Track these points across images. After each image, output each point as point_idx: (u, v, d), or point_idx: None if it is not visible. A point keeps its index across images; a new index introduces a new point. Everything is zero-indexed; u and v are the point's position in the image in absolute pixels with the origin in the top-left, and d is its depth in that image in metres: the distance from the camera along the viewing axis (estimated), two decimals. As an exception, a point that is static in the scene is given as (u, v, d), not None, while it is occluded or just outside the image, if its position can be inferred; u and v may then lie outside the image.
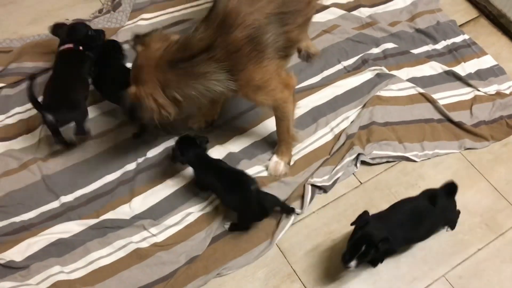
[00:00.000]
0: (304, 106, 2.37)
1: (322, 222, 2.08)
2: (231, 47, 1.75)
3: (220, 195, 2.04)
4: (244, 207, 1.95)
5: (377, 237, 1.71)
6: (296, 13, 1.90)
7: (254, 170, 2.19)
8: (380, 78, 2.47)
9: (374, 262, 1.90)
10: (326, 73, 2.50)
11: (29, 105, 2.22)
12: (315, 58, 2.52)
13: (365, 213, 1.82)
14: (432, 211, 1.87)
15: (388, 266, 1.96)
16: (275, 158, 2.19)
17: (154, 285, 1.91)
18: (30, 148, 2.21)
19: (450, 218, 2.03)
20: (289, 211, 2.02)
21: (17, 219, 2.04)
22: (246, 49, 1.76)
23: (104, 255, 1.99)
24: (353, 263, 1.73)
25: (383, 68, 2.50)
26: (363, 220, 1.79)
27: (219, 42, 1.74)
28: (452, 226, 2.05)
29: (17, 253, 1.96)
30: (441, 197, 1.89)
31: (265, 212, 1.97)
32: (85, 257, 1.97)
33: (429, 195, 1.92)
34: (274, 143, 2.25)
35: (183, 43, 1.80)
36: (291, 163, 2.22)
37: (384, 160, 2.24)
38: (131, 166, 2.19)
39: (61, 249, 1.99)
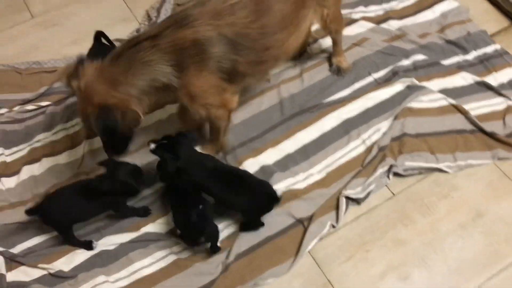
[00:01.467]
0: (335, 118, 2.42)
1: (356, 233, 2.12)
2: (177, 41, 1.79)
3: (222, 197, 2.05)
4: (253, 203, 2.02)
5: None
6: (249, 51, 1.94)
7: (288, 182, 2.24)
8: (411, 89, 2.49)
9: None
10: (357, 85, 2.54)
11: (74, 121, 2.36)
12: (346, 73, 2.57)
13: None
14: None
15: (421, 276, 1.99)
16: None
17: (192, 290, 1.99)
18: (75, 162, 2.33)
19: None
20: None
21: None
22: (191, 50, 1.81)
23: (146, 265, 2.08)
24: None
25: (414, 79, 2.52)
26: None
27: (168, 33, 1.79)
28: None
29: (65, 263, 2.07)
30: None
31: (273, 200, 2.04)
32: (128, 267, 2.07)
33: None
34: (307, 155, 2.31)
35: (130, 38, 1.89)
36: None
37: (417, 171, 2.26)
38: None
39: (105, 260, 2.08)
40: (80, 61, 1.87)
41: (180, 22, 1.81)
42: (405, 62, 2.60)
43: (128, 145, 2.04)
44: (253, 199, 2.02)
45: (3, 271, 2.03)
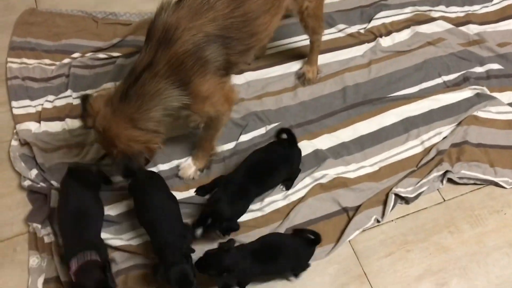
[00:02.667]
0: (397, 114, 2.39)
1: (400, 232, 2.10)
2: (173, 61, 1.75)
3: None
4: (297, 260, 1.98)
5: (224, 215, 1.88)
6: (237, 41, 1.90)
7: (338, 170, 2.25)
8: (480, 98, 2.42)
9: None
10: (425, 85, 2.50)
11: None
12: (309, 84, 2.52)
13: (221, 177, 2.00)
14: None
15: (460, 286, 1.97)
16: (189, 161, 2.24)
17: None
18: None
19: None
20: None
21: (115, 179, 2.23)
22: (188, 63, 1.77)
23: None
24: (199, 232, 1.88)
25: (485, 88, 2.45)
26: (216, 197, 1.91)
27: (160, 57, 1.75)
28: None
29: (113, 208, 2.16)
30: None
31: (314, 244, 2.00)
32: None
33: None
34: (362, 147, 2.30)
35: (129, 73, 1.82)
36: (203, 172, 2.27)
37: (472, 181, 2.21)
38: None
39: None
40: (85, 99, 1.87)
41: (164, 40, 1.76)
42: (479, 69, 2.53)
43: None
44: (295, 258, 1.97)
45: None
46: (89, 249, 1.83)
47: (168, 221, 1.88)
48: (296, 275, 1.99)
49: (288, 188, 2.19)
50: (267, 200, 2.18)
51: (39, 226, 2.09)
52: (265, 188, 2.15)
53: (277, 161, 2.11)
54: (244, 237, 2.08)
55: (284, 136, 2.16)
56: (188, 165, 2.25)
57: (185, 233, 1.88)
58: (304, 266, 1.98)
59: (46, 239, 2.08)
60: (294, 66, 2.57)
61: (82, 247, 1.84)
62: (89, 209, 1.99)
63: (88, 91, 2.47)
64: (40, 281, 2.00)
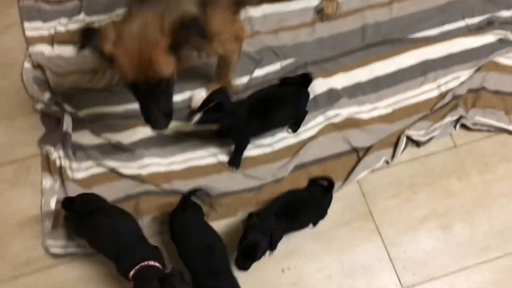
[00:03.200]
0: (416, 57, 2.32)
1: (408, 174, 2.12)
2: None
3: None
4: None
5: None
6: None
7: (352, 110, 2.23)
8: (502, 44, 2.35)
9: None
10: (447, 27, 2.41)
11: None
12: (327, 19, 2.43)
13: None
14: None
15: (464, 230, 2.01)
16: (203, 93, 2.20)
17: (241, 193, 2.08)
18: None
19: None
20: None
21: (130, 106, 2.23)
22: None
23: (199, 156, 2.16)
24: (196, 118, 1.84)
25: (509, 34, 2.37)
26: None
27: None
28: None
29: (126, 136, 2.18)
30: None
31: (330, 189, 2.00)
32: (183, 154, 2.16)
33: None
34: (378, 88, 2.27)
35: None
36: None
37: (486, 128, 2.19)
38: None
39: (164, 142, 2.18)
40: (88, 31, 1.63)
41: None
42: (505, 14, 2.43)
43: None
44: (317, 209, 1.99)
45: (70, 131, 2.17)
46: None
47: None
48: (315, 224, 2.02)
49: (294, 131, 2.19)
50: (278, 136, 2.18)
51: (52, 149, 2.12)
52: (266, 126, 2.13)
53: (282, 101, 2.07)
54: (252, 171, 2.11)
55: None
56: (202, 98, 2.22)
57: None
58: (324, 214, 2.01)
59: (58, 163, 2.12)
60: (314, 1, 2.48)
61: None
62: None
63: (101, 16, 2.42)
64: (53, 201, 2.05)
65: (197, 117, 1.87)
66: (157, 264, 1.63)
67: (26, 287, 1.92)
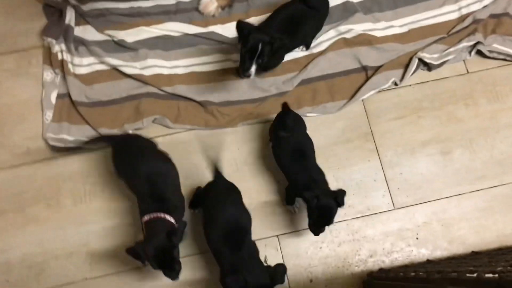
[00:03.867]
0: (440, -26, 2.19)
1: (415, 97, 2.08)
2: None
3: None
4: None
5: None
6: None
7: (366, 26, 2.14)
8: (533, -32, 2.20)
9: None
10: None
11: None
12: None
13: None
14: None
15: (463, 157, 2.00)
16: None
17: (244, 103, 2.05)
18: None
19: None
20: None
21: (135, 4, 2.15)
22: None
23: (202, 62, 2.11)
24: (252, 69, 1.74)
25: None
26: (246, 32, 1.72)
27: None
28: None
29: (130, 35, 2.12)
30: None
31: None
32: (188, 59, 2.11)
33: None
34: (396, 5, 2.16)
35: None
36: (224, 10, 2.17)
37: (502, 57, 2.11)
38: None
39: (168, 45, 2.12)
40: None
41: None
42: None
43: None
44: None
45: (72, 24, 2.10)
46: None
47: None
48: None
49: (307, 47, 2.11)
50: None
51: (54, 41, 2.07)
52: (294, 44, 2.06)
53: (306, 19, 1.98)
54: (258, 81, 2.06)
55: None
56: (211, 1, 2.14)
57: None
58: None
59: (60, 56, 2.07)
60: None
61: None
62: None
63: None
64: (54, 95, 2.04)
65: (253, 68, 1.76)
66: (172, 219, 1.61)
67: (24, 176, 1.95)
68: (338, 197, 1.64)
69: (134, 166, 1.67)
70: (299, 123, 1.87)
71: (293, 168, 1.76)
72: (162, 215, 1.59)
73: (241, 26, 1.74)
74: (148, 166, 1.67)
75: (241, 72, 1.74)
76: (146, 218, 1.59)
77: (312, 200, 1.61)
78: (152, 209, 1.60)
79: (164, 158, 1.77)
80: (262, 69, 1.80)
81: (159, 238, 1.51)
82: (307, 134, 1.85)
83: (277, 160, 1.83)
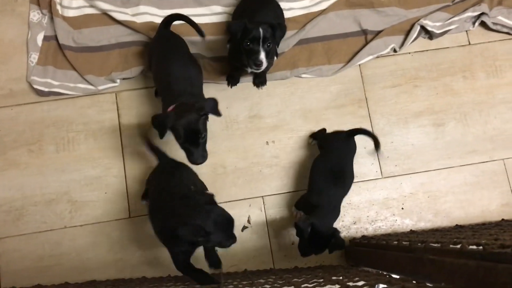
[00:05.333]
0: None
1: (413, 66, 2.02)
2: None
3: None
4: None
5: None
6: None
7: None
8: None
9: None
10: None
11: None
12: None
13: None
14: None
15: (455, 129, 1.97)
16: None
17: (237, 58, 1.97)
18: None
19: None
20: None
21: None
22: None
23: (198, 13, 2.03)
24: (262, 55, 1.64)
25: None
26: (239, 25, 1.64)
27: None
28: None
29: (123, -21, 2.02)
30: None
31: None
32: (182, 9, 2.02)
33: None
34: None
35: None
36: None
37: (505, 30, 2.05)
38: None
39: (162, -7, 2.03)
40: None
41: None
42: None
43: None
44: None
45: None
46: None
47: None
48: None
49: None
50: (284, 5, 2.03)
51: (41, -21, 1.97)
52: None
53: None
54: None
55: None
56: None
57: None
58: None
59: (48, -4, 1.98)
60: None
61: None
62: None
63: None
64: (40, 37, 1.95)
65: (263, 55, 1.63)
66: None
67: (6, 119, 1.89)
68: (335, 239, 1.57)
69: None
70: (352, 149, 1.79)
71: (325, 187, 1.67)
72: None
73: (232, 25, 1.66)
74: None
75: (251, 63, 1.66)
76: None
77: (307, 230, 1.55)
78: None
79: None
80: (268, 57, 1.71)
81: (189, 109, 1.48)
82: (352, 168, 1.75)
83: (315, 168, 1.75)
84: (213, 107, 1.52)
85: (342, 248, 1.63)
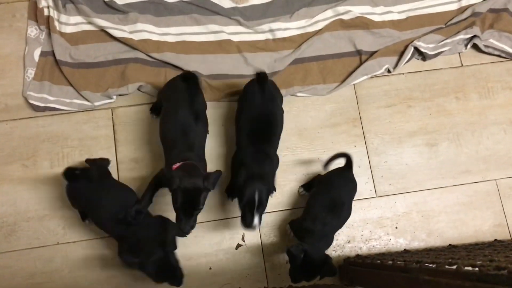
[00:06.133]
0: (443, -37, 2.15)
1: (406, 86, 2.05)
2: None
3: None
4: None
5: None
6: None
7: (364, 9, 2.10)
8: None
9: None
10: None
11: None
12: None
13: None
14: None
15: (448, 149, 1.99)
16: None
17: (232, 78, 1.99)
18: None
19: None
20: None
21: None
22: None
23: (195, 32, 2.05)
24: (256, 221, 1.59)
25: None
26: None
27: None
28: None
29: (121, -4, 2.04)
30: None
31: None
32: (179, 27, 2.04)
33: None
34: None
35: None
36: None
37: (497, 52, 2.09)
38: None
39: (160, 10, 2.05)
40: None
41: None
42: None
43: None
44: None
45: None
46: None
47: None
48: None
49: None
50: (282, 25, 2.06)
51: (40, -5, 1.98)
52: None
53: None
54: (250, 57, 2.01)
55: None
56: None
57: None
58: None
59: (46, 12, 1.99)
60: None
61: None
62: None
63: None
64: (37, 53, 1.96)
65: (256, 220, 1.59)
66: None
67: (1, 134, 1.88)
68: (327, 266, 1.60)
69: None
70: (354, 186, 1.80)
71: (321, 214, 1.66)
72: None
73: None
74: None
75: (244, 226, 1.61)
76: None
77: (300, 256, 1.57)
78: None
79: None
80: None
81: (195, 177, 1.47)
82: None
83: (312, 199, 1.75)
84: (215, 181, 1.49)
85: (334, 275, 1.63)
